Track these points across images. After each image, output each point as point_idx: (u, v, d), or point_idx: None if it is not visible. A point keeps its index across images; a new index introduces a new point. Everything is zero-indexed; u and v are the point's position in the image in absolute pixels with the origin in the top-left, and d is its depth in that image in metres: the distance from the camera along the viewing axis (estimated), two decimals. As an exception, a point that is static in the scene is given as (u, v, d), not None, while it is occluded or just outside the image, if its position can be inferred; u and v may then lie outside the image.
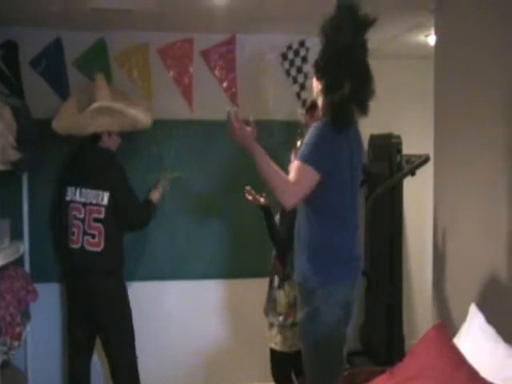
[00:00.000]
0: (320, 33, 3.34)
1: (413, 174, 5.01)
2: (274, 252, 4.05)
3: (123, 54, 4.96)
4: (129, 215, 4.41)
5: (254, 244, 4.89)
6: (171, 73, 5.06)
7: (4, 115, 4.06)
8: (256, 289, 4.68)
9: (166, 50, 5.04)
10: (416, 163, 4.95)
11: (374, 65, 3.39)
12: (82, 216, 4.33)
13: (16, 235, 4.64)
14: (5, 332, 3.83)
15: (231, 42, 5.12)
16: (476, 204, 3.77)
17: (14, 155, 4.10)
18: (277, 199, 3.17)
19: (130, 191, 4.40)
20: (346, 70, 3.23)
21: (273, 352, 4.10)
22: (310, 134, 3.22)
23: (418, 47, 5.26)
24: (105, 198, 4.30)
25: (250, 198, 3.98)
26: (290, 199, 3.15)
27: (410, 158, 5.10)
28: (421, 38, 5.02)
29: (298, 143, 3.91)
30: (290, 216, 3.69)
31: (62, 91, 4.86)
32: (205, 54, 5.11)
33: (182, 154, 5.03)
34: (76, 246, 4.33)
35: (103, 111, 4.30)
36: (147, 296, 5.00)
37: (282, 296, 3.97)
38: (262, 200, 3.96)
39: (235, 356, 5.16)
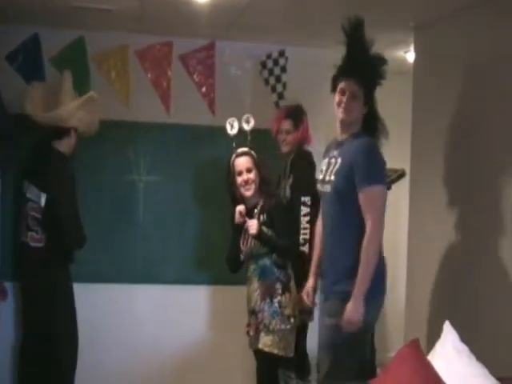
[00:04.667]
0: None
1: (389, 188, 5.01)
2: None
3: (102, 54, 4.91)
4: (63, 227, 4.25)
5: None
6: (149, 75, 5.02)
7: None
8: (232, 296, 4.71)
9: (144, 53, 5.00)
10: (392, 177, 4.95)
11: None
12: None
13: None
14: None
15: (211, 47, 5.10)
16: (451, 220, 3.81)
17: None
18: None
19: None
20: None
21: (270, 356, 4.01)
22: (361, 155, 3.23)
23: (397, 63, 5.27)
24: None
25: (240, 220, 4.03)
26: (380, 237, 3.22)
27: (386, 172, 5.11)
28: (400, 53, 5.06)
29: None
30: (285, 223, 3.96)
31: (39, 88, 4.78)
32: (184, 59, 5.08)
33: (157, 157, 5.00)
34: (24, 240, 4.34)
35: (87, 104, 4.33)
36: (118, 299, 4.94)
37: (287, 300, 3.97)
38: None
39: (209, 364, 5.09)
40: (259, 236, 3.92)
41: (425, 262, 4.06)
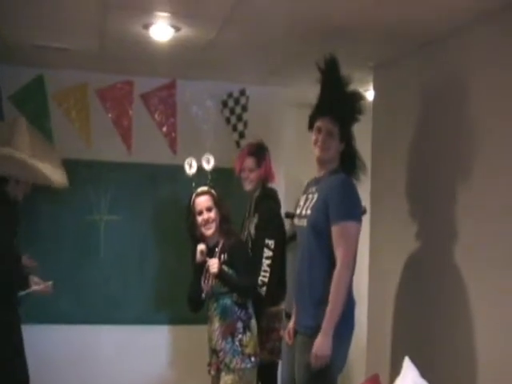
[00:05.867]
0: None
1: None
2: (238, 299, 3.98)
3: (62, 93, 4.90)
4: None
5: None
6: (110, 115, 5.01)
7: None
8: (193, 335, 4.68)
9: (105, 92, 5.01)
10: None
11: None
12: None
13: None
14: None
15: (172, 86, 5.12)
16: (411, 257, 3.82)
17: None
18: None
19: None
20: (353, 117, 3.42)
21: None
22: (336, 190, 3.26)
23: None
24: None
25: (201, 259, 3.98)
26: (350, 272, 3.21)
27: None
28: (359, 92, 5.13)
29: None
30: (246, 262, 3.96)
31: (-3, 126, 4.72)
32: (145, 98, 5.09)
33: (118, 196, 4.98)
34: None
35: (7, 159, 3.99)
36: (78, 340, 4.86)
37: (248, 338, 3.93)
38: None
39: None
40: (220, 275, 3.89)
41: (386, 297, 4.06)
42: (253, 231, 4.29)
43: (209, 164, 4.14)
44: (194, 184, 4.07)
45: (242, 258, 4.01)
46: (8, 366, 3.97)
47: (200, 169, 4.13)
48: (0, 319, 3.93)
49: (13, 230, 4.11)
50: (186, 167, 4.14)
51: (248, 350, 3.92)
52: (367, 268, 4.42)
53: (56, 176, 4.28)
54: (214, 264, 3.87)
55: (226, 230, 4.04)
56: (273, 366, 4.37)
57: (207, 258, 3.94)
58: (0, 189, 4.03)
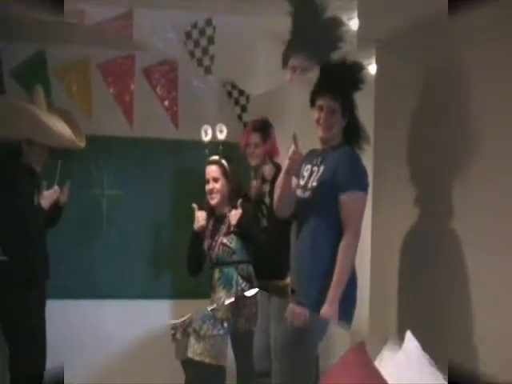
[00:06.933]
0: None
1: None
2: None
3: (63, 68, 4.89)
4: None
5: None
6: (111, 89, 4.99)
7: None
8: (197, 309, 4.66)
9: (106, 66, 4.98)
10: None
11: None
12: None
13: None
14: None
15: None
16: (413, 232, 3.82)
17: None
18: None
19: None
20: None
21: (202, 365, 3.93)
22: (344, 162, 3.28)
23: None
24: None
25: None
26: (357, 242, 3.27)
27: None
28: (361, 67, 5.09)
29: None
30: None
31: (-1, 101, 4.70)
32: (146, 72, 5.06)
33: (120, 171, 4.99)
34: None
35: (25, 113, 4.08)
36: (82, 316, 4.88)
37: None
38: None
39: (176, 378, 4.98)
40: (240, 225, 3.95)
41: (387, 271, 4.06)
42: (267, 198, 4.31)
43: (222, 133, 4.23)
44: (207, 151, 4.13)
45: (251, 230, 4.05)
46: (25, 350, 4.04)
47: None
48: (21, 299, 4.03)
49: (31, 199, 4.17)
50: (202, 134, 4.30)
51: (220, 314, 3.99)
52: (369, 243, 4.43)
53: (70, 137, 4.36)
54: (235, 214, 3.98)
55: (235, 203, 4.05)
56: (248, 334, 4.38)
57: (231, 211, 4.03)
58: (16, 161, 4.13)
